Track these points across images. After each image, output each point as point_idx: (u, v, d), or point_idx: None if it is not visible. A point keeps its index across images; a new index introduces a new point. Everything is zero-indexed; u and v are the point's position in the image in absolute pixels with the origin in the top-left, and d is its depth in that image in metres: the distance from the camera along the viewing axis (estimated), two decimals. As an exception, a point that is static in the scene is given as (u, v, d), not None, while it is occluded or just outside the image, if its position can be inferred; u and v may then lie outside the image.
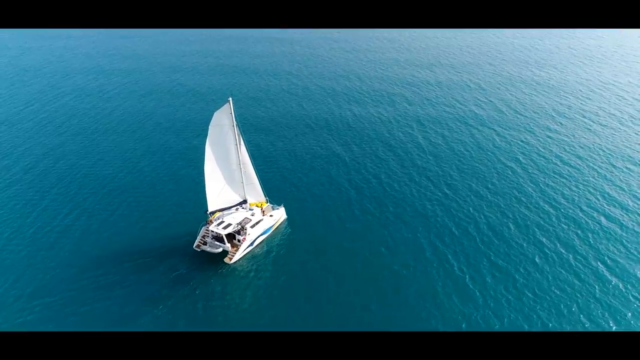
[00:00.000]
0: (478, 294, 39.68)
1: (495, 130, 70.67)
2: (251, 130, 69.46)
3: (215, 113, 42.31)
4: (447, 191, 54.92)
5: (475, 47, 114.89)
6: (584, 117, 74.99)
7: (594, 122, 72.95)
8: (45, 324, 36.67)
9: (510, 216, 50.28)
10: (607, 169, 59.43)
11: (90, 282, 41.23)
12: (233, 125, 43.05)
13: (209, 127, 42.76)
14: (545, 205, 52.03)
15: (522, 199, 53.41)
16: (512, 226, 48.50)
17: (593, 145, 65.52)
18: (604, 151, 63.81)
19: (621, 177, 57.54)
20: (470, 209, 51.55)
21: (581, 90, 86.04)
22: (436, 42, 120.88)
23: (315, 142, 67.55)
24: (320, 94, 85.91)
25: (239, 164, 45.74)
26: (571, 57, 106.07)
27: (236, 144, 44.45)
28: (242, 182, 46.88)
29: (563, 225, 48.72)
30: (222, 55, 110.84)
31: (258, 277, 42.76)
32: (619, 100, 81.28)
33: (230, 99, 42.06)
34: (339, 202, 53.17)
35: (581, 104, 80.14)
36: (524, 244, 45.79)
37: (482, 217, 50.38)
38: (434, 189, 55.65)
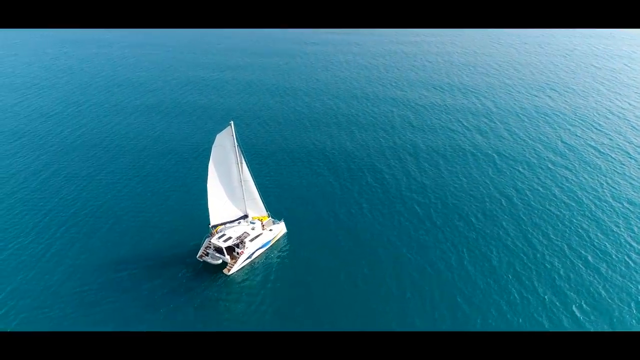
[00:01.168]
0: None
1: (494, 160, 70.15)
2: (254, 151, 71.67)
3: (217, 135, 45.78)
4: (428, 225, 54.88)
5: (494, 65, 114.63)
6: (591, 147, 73.56)
7: (600, 153, 71.55)
8: (45, 325, 40.73)
9: (488, 255, 49.79)
10: (602, 207, 58.04)
11: (93, 286, 45.38)
12: (234, 146, 46.36)
13: (212, 147, 46.22)
14: (526, 246, 51.12)
15: (504, 236, 52.64)
16: (486, 265, 48.18)
17: (593, 179, 64.26)
18: (603, 187, 62.38)
19: (614, 217, 56.04)
20: (449, 244, 51.39)
21: (596, 117, 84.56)
22: (455, 58, 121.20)
23: (312, 168, 68.58)
24: (326, 115, 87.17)
25: (240, 182, 48.98)
26: (594, 79, 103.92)
27: (237, 163, 47.75)
28: (243, 198, 50.09)
29: (540, 268, 47.80)
30: (239, 67, 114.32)
31: (254, 288, 46.11)
32: (633, 130, 79.83)
33: (232, 122, 45.49)
34: (328, 225, 55.39)
35: (591, 133, 78.62)
36: (495, 287, 45.38)
37: (459, 255, 49.88)
38: (416, 222, 55.42)
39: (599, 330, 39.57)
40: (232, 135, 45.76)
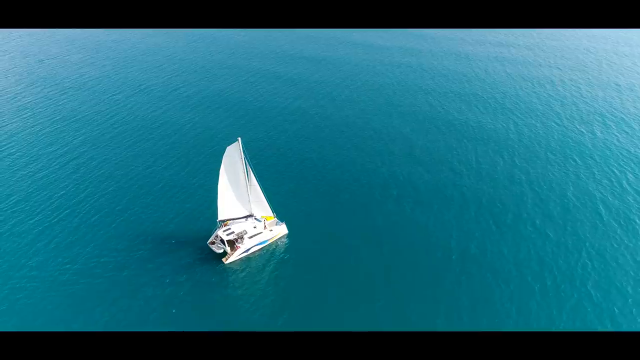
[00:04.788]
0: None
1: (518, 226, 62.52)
2: (272, 158, 78.74)
3: (227, 147, 54.63)
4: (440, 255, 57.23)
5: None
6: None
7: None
8: (73, 288, 52.91)
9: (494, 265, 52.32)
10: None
11: (112, 253, 57.86)
12: (241, 158, 54.81)
13: (223, 156, 55.14)
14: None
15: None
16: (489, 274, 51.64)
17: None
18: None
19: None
20: (447, 254, 55.77)
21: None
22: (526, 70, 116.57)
23: (323, 179, 73.93)
24: (348, 133, 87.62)
25: (247, 186, 57.38)
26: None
27: (244, 171, 56.13)
28: (249, 201, 58.56)
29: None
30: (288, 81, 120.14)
31: (243, 277, 55.36)
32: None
33: (240, 138, 54.02)
34: (328, 232, 61.40)
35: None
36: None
37: (456, 260, 54.36)
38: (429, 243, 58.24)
39: (599, 330, 41.22)
40: (240, 149, 54.23)
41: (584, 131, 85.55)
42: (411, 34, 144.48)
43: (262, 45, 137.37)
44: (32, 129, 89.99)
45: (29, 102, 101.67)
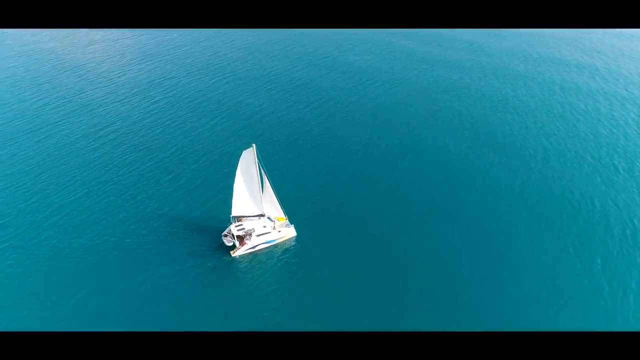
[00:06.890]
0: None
1: None
2: (287, 161, 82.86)
3: (243, 152, 59.91)
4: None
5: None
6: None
7: None
8: (89, 275, 59.62)
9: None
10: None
11: (133, 237, 65.33)
12: (255, 162, 59.79)
13: (239, 159, 60.43)
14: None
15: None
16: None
17: None
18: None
19: None
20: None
21: None
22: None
23: (338, 186, 76.75)
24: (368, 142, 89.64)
25: (260, 189, 62.43)
26: None
27: (258, 175, 61.14)
28: (261, 201, 63.57)
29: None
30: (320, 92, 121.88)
31: (246, 270, 61.15)
32: None
33: (254, 145, 58.91)
34: (335, 239, 64.94)
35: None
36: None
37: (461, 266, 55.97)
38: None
39: (599, 330, 42.15)
40: (254, 154, 59.29)
41: (614, 177, 79.95)
42: (462, 41, 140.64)
43: (287, 48, 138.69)
44: (65, 120, 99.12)
45: (61, 94, 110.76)
